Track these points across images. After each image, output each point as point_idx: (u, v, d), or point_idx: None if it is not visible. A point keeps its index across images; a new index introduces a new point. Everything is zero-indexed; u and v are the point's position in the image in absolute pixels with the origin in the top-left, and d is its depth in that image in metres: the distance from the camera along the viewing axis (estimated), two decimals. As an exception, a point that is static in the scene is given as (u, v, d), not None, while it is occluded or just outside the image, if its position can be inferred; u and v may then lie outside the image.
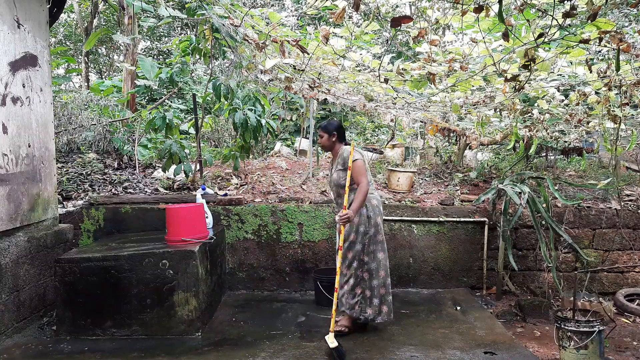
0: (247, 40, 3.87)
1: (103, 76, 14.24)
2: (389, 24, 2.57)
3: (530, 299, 4.43)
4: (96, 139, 6.27)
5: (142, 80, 8.73)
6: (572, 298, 3.51)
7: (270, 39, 3.55)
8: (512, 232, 4.73)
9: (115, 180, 5.40)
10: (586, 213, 4.86)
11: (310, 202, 4.90)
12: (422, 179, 5.77)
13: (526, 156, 5.84)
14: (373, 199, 3.64)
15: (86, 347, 3.42)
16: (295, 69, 4.03)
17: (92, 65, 14.12)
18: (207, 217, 4.26)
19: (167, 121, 5.32)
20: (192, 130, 7.08)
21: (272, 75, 4.36)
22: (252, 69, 4.34)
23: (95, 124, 6.23)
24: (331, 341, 3.29)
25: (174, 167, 5.06)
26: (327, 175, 5.80)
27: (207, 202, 4.53)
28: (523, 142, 5.43)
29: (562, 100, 4.95)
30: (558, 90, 4.71)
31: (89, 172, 5.56)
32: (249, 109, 5.41)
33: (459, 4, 2.69)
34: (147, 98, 9.52)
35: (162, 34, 13.20)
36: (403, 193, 5.19)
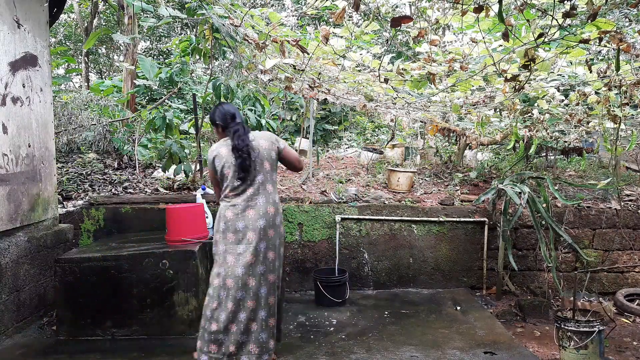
0: (247, 40, 3.87)
1: (103, 76, 14.24)
2: (389, 24, 2.57)
3: (530, 299, 4.44)
4: (96, 139, 6.27)
5: (142, 80, 8.73)
6: (572, 298, 3.51)
7: (270, 39, 3.55)
8: (512, 232, 4.73)
9: (115, 180, 5.40)
10: (586, 213, 4.86)
11: (310, 202, 4.90)
12: (422, 179, 5.77)
13: (526, 156, 5.84)
14: (218, 212, 3.00)
15: (86, 347, 3.42)
16: (295, 69, 4.03)
17: (92, 65, 14.12)
18: (207, 217, 4.26)
19: (167, 121, 5.32)
20: (192, 130, 7.07)
21: (272, 75, 4.36)
22: (252, 69, 4.34)
23: (95, 124, 6.24)
24: None
25: (174, 167, 5.06)
26: (327, 175, 5.80)
27: (207, 202, 4.53)
28: (523, 142, 5.43)
29: (562, 100, 4.95)
30: (558, 90, 4.72)
31: (89, 172, 5.56)
32: (249, 109, 5.41)
33: (459, 4, 2.69)
34: (147, 98, 9.52)
35: (162, 34, 13.20)
36: (403, 193, 5.19)
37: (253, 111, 5.45)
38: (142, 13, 7.37)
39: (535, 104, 4.98)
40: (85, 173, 5.52)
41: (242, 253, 2.86)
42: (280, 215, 3.01)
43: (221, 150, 2.90)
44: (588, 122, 5.18)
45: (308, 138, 6.48)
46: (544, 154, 6.12)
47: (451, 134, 6.12)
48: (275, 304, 2.99)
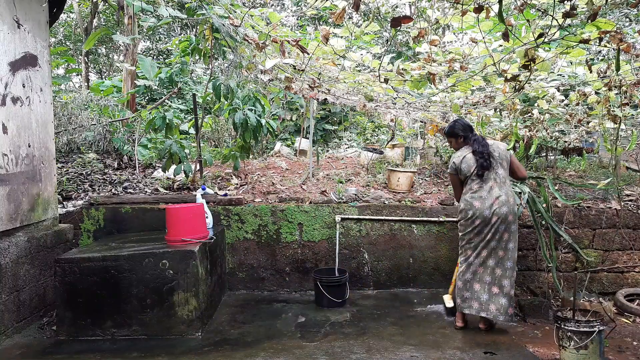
0: (247, 40, 3.87)
1: (103, 76, 14.25)
2: (389, 24, 2.57)
3: (530, 299, 4.43)
4: (96, 139, 6.27)
5: (142, 80, 8.73)
6: (572, 298, 3.51)
7: (270, 39, 3.55)
8: (512, 232, 4.72)
9: (115, 180, 5.40)
10: (586, 213, 4.85)
11: (310, 202, 4.90)
12: (422, 179, 5.77)
13: (526, 156, 5.84)
14: (461, 203, 3.75)
15: (86, 347, 3.42)
16: (295, 69, 4.03)
17: (92, 65, 14.12)
18: (207, 217, 4.26)
19: (167, 121, 5.32)
20: (192, 130, 7.08)
21: (272, 75, 4.36)
22: (252, 69, 4.34)
23: (95, 124, 6.24)
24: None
25: (174, 167, 5.06)
26: (327, 175, 5.80)
27: (207, 202, 4.53)
28: (523, 142, 5.43)
29: (562, 100, 4.95)
30: (558, 90, 4.72)
31: (89, 172, 5.56)
32: (249, 109, 5.41)
33: (459, 4, 2.69)
34: (147, 98, 9.53)
35: (161, 34, 13.19)
36: (403, 193, 5.19)
37: (253, 111, 5.44)
38: (142, 13, 7.37)
39: (535, 104, 4.98)
40: (85, 173, 5.52)
41: (486, 233, 3.60)
42: (515, 205, 3.70)
43: (467, 156, 3.65)
44: (588, 122, 5.18)
45: (308, 138, 6.48)
46: (544, 154, 6.12)
47: (451, 134, 6.10)
48: (502, 276, 3.65)
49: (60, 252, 4.11)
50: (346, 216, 4.76)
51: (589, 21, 2.59)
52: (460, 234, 3.77)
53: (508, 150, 3.77)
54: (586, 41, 2.87)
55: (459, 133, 3.76)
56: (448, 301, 4.10)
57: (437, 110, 5.34)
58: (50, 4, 4.09)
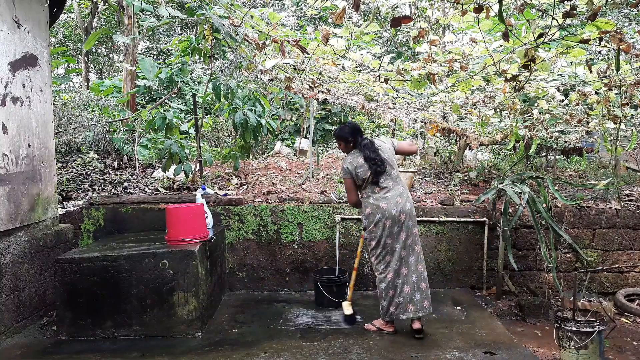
0: (247, 40, 3.87)
1: (103, 76, 14.24)
2: (389, 24, 2.57)
3: (530, 299, 4.43)
4: (96, 139, 6.27)
5: (142, 80, 8.73)
6: (572, 298, 3.51)
7: (270, 39, 3.55)
8: (512, 232, 4.72)
9: (115, 180, 5.40)
10: (586, 213, 4.85)
11: (310, 202, 4.90)
12: (422, 179, 5.77)
13: (526, 156, 5.84)
14: (367, 208, 3.63)
15: (86, 347, 3.42)
16: (295, 69, 4.03)
17: (92, 65, 14.12)
18: (207, 217, 4.26)
19: (167, 121, 5.32)
20: (192, 130, 7.08)
21: (272, 75, 4.36)
22: (252, 69, 4.34)
23: (95, 124, 6.24)
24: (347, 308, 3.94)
25: (174, 167, 5.06)
26: (327, 175, 5.80)
27: (207, 202, 4.53)
28: (523, 142, 5.43)
29: (562, 100, 4.95)
30: (558, 90, 4.71)
31: (89, 172, 5.56)
32: (249, 109, 5.41)
33: (459, 4, 2.69)
34: (147, 98, 9.53)
35: (161, 35, 13.19)
36: (403, 193, 5.18)
37: (253, 111, 5.44)
38: (142, 13, 7.37)
39: (535, 104, 4.98)
40: (85, 173, 5.52)
41: (398, 232, 3.56)
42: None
43: (360, 161, 3.60)
44: (588, 122, 5.18)
45: (308, 138, 6.48)
46: (544, 154, 6.12)
47: (451, 134, 6.11)
48: (424, 270, 3.66)
49: (60, 252, 4.11)
50: (346, 216, 4.76)
51: (589, 21, 2.59)
52: (372, 242, 3.62)
53: (398, 142, 3.82)
54: (586, 41, 2.87)
55: (348, 138, 3.70)
56: (347, 308, 3.94)
57: (437, 110, 5.34)
58: (50, 4, 4.09)
